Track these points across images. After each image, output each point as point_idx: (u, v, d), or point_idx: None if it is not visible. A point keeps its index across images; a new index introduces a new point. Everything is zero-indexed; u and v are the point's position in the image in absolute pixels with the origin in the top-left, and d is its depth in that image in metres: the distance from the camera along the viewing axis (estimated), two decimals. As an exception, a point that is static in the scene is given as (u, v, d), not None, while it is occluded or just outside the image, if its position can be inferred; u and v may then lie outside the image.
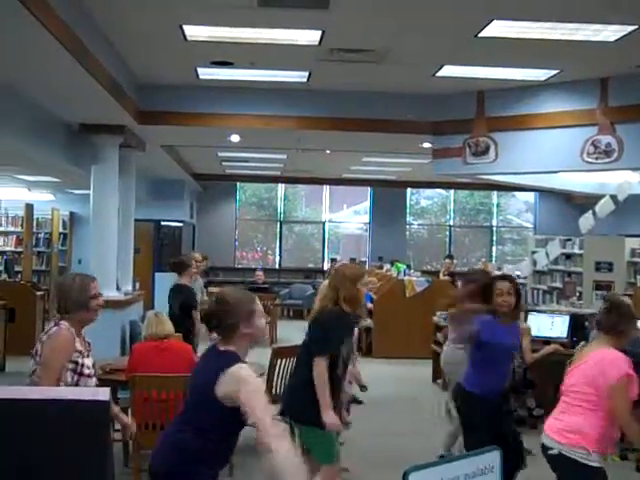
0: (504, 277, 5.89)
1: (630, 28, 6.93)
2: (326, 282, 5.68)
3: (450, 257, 17.67)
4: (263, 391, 3.37)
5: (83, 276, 4.32)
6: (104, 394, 3.16)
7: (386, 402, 9.31)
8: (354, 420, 7.21)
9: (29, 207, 15.97)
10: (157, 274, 16.89)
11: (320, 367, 4.82)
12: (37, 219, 16.85)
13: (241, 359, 3.44)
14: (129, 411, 5.95)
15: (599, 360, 4.21)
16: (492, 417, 5.25)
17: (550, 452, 4.23)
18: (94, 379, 4.24)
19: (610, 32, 7.11)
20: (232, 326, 3.46)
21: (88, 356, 4.23)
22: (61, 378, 4.03)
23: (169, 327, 6.22)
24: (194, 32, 7.47)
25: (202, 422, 3.41)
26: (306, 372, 4.88)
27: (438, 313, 10.12)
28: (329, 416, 4.80)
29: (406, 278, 13.35)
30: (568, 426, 4.20)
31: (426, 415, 8.78)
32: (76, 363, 4.07)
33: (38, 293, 12.68)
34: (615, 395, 4.11)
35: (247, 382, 3.33)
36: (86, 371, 4.12)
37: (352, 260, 17.60)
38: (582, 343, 5.74)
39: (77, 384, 4.07)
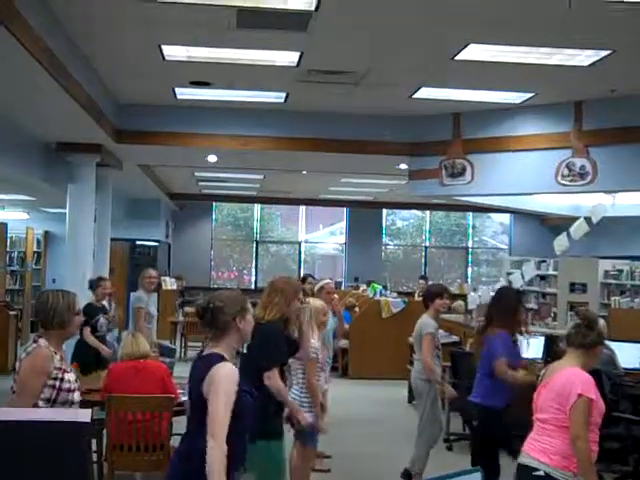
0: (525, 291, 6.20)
1: (603, 53, 7.04)
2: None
3: (424, 278, 17.71)
4: (227, 398, 3.35)
5: (67, 293, 4.37)
6: (85, 416, 3.13)
7: (362, 423, 9.28)
8: (331, 441, 7.16)
9: (3, 225, 15.81)
10: (132, 294, 16.75)
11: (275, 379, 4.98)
12: (11, 238, 16.69)
13: (225, 359, 3.46)
14: (104, 432, 5.91)
15: (566, 381, 4.15)
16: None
17: (535, 473, 4.13)
18: (77, 393, 4.26)
19: (584, 57, 7.23)
20: (227, 321, 3.53)
21: (70, 370, 4.27)
22: (39, 396, 4.06)
23: (145, 347, 6.16)
24: (172, 52, 7.49)
25: (204, 427, 3.36)
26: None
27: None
28: (304, 416, 5.10)
29: (382, 299, 13.33)
30: (552, 447, 4.13)
31: (402, 437, 8.74)
32: (55, 379, 4.11)
33: (11, 313, 12.53)
34: (572, 414, 4.05)
35: (218, 383, 3.37)
36: (65, 386, 4.15)
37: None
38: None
39: (55, 399, 4.10)
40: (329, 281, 8.32)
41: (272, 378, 4.94)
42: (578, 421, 4.05)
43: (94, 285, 8.97)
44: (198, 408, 3.45)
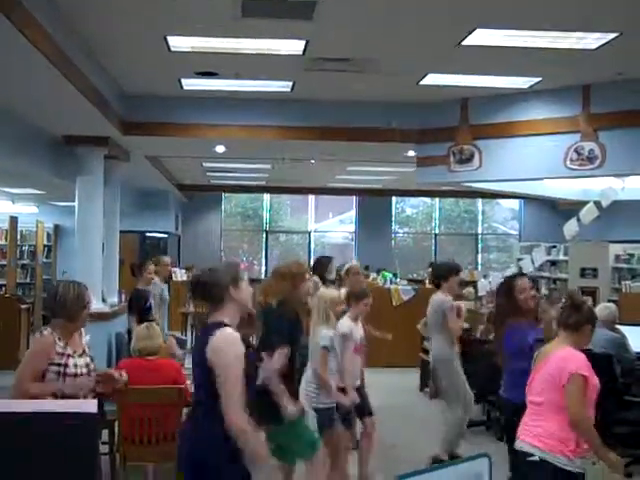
0: (521, 274, 6.00)
1: (611, 36, 6.99)
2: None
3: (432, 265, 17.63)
4: (237, 363, 3.35)
5: (78, 285, 4.43)
6: (92, 406, 3.14)
7: (374, 411, 9.27)
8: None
9: (13, 220, 15.86)
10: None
11: None
12: (21, 231, 16.74)
13: (226, 324, 3.45)
14: (116, 424, 5.93)
15: (559, 361, 4.17)
16: None
17: (530, 459, 4.15)
18: (86, 377, 4.33)
19: (591, 40, 7.17)
20: (221, 291, 3.51)
21: (82, 356, 4.34)
22: (43, 379, 4.23)
23: (159, 340, 6.14)
24: (178, 43, 7.47)
25: (218, 403, 3.36)
26: None
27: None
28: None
29: (392, 287, 13.34)
30: (545, 432, 4.15)
31: (415, 424, 8.76)
32: (59, 365, 4.18)
33: (22, 306, 12.58)
34: (567, 395, 4.07)
35: (222, 351, 3.36)
36: (71, 371, 4.23)
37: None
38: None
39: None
40: (354, 263, 8.25)
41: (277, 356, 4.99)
42: (576, 401, 4.05)
43: (139, 270, 9.00)
44: (204, 385, 3.43)
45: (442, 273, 7.08)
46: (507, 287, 5.76)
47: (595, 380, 4.15)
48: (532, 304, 5.64)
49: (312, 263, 8.71)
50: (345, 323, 6.32)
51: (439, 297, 6.98)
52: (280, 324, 5.13)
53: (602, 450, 4.08)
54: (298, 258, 19.59)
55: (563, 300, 4.79)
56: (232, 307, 3.54)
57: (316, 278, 7.30)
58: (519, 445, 4.28)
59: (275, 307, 5.22)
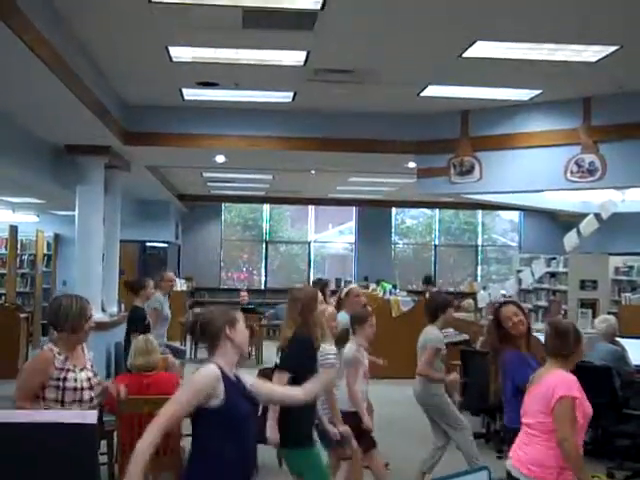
0: (506, 302, 5.87)
1: (611, 49, 7.01)
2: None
3: (429, 282, 16.93)
4: (189, 391, 3.38)
5: (80, 299, 4.45)
6: (91, 417, 3.14)
7: (374, 423, 9.24)
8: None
9: (13, 229, 15.86)
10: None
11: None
12: (21, 240, 16.73)
13: (213, 363, 3.45)
14: (114, 434, 5.91)
15: (549, 387, 4.13)
16: None
17: None
18: (88, 392, 4.33)
19: (592, 52, 7.20)
20: (216, 332, 3.53)
21: (83, 370, 4.35)
22: (42, 396, 4.22)
23: (157, 357, 6.11)
24: (179, 53, 7.50)
25: (196, 438, 3.41)
26: None
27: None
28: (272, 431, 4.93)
29: (392, 298, 13.32)
30: (531, 459, 4.13)
31: (415, 436, 8.73)
32: (58, 379, 4.20)
33: (22, 315, 12.57)
34: (556, 417, 4.02)
35: (189, 379, 3.47)
36: (71, 385, 4.24)
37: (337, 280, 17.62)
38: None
39: (63, 399, 4.20)
40: (354, 285, 8.23)
41: (274, 379, 4.92)
42: (563, 423, 4.01)
43: (139, 286, 8.96)
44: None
45: (440, 305, 6.74)
46: (494, 317, 5.67)
47: (587, 407, 4.12)
48: (522, 329, 5.46)
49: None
50: (354, 347, 6.27)
51: (435, 333, 6.66)
52: (294, 352, 5.09)
53: (584, 476, 4.06)
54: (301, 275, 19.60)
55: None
56: (227, 348, 3.54)
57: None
58: (509, 466, 4.27)
59: (291, 337, 5.17)
